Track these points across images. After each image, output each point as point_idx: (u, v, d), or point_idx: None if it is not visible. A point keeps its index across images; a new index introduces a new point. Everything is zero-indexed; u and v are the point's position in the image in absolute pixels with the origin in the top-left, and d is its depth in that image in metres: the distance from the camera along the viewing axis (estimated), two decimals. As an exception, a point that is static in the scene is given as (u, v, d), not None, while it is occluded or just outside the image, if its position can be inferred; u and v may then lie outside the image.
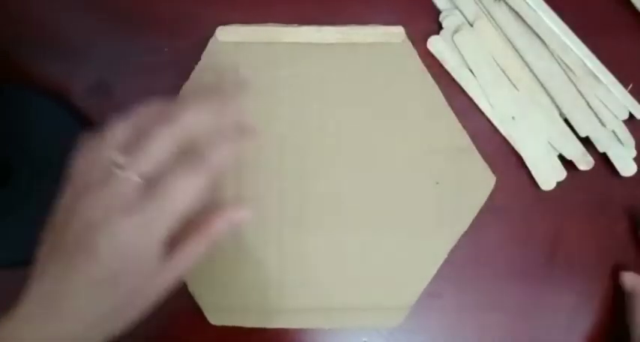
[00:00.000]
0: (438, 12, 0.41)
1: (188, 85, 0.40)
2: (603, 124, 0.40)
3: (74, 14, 0.41)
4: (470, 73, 0.40)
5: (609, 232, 0.41)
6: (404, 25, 0.39)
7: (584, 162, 0.41)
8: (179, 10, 0.41)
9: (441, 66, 0.41)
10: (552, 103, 0.40)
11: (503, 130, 0.41)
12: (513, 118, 0.40)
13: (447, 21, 0.41)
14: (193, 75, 0.40)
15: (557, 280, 0.41)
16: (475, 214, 0.40)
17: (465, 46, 0.40)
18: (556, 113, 0.41)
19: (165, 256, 0.29)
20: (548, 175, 0.41)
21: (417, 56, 0.39)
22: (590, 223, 0.41)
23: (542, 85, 0.40)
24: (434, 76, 0.40)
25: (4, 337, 0.27)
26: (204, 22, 0.40)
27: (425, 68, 0.40)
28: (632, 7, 0.41)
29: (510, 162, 0.41)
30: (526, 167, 0.41)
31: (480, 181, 0.40)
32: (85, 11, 0.41)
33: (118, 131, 0.29)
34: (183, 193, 0.28)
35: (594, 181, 0.41)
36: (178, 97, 0.40)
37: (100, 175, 0.28)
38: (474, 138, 0.40)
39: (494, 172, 0.40)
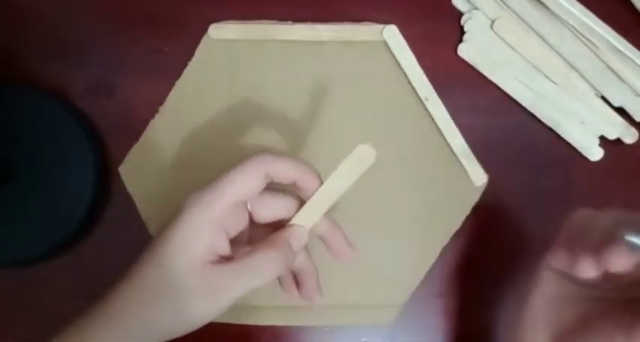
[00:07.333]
0: (435, 10, 0.41)
1: (181, 83, 0.40)
2: (637, 94, 0.40)
3: (74, 14, 0.41)
4: (503, 69, 0.41)
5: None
6: (399, 23, 0.39)
7: (630, 135, 0.40)
8: (179, 10, 0.41)
9: (435, 64, 0.40)
10: (589, 86, 0.40)
11: (547, 119, 0.41)
12: (552, 106, 0.40)
13: (469, 24, 0.41)
14: (186, 72, 0.40)
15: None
16: (467, 213, 0.40)
17: (505, 36, 0.40)
18: (592, 95, 0.41)
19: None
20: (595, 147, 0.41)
21: (412, 54, 0.39)
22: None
23: (573, 68, 0.40)
24: (427, 73, 0.40)
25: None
26: (203, 22, 0.40)
27: (418, 66, 0.40)
28: (632, 6, 0.41)
29: (502, 160, 0.41)
30: (519, 165, 0.41)
31: (472, 180, 0.40)
32: (85, 11, 0.41)
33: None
34: None
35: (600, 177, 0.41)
36: (170, 94, 0.40)
37: None
38: (466, 136, 0.40)
39: (486, 170, 0.40)
